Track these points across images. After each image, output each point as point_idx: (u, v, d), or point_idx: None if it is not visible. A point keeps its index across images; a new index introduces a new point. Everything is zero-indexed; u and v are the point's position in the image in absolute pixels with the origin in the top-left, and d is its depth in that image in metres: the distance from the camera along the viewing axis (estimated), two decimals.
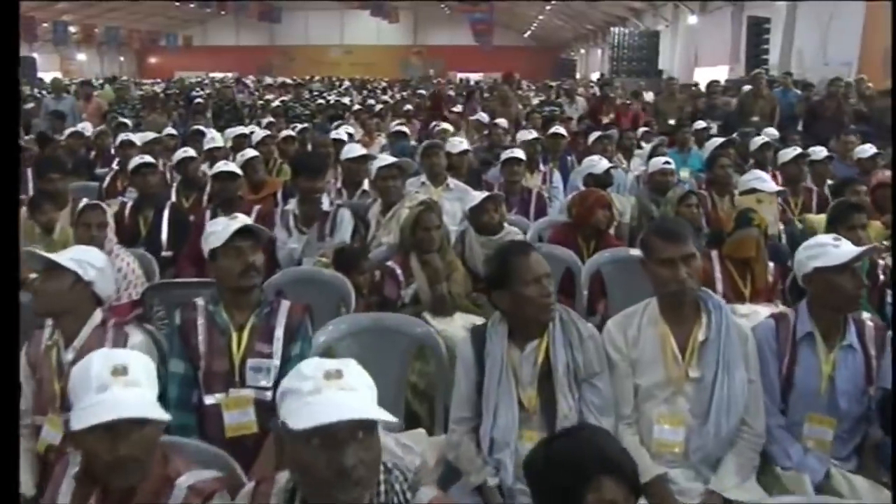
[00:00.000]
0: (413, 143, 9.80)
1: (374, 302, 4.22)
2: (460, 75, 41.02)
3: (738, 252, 3.93)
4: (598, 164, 5.77)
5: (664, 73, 26.99)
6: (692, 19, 26.57)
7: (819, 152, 6.68)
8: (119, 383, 1.85)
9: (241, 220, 2.91)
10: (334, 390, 1.67)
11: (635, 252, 4.37)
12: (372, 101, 15.82)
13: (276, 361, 2.82)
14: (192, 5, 41.30)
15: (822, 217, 5.17)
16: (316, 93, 20.10)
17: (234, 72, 40.35)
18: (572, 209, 4.78)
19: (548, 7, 38.99)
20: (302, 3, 47.86)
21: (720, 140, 6.94)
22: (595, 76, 35.15)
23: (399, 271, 4.21)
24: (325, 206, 4.70)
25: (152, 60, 52.18)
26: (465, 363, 2.86)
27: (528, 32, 49.32)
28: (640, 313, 2.93)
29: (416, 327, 3.24)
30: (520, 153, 5.88)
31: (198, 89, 21.58)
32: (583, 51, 45.84)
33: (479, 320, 4.07)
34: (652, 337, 2.86)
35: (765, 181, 4.91)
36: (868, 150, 6.79)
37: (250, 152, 6.00)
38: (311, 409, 1.64)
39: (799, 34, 19.96)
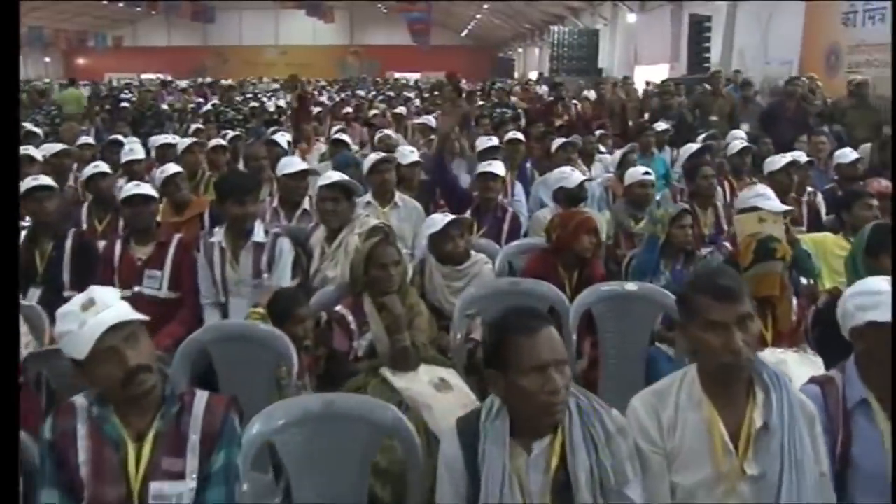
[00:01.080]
0: (356, 146, 9.00)
1: (320, 356, 3.43)
2: (398, 75, 40.34)
3: (759, 290, 3.23)
4: (570, 176, 5.04)
5: (604, 72, 26.76)
6: (631, 17, 26.18)
7: (799, 157, 6.09)
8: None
9: (111, 313, 2.01)
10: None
11: (632, 287, 3.69)
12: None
13: (192, 484, 2.01)
14: (121, 4, 39.53)
15: (826, 236, 4.58)
16: (250, 95, 19.03)
17: (167, 73, 38.91)
18: (552, 233, 4.05)
19: (485, 6, 38.36)
20: (235, 2, 46.40)
21: (694, 146, 6.26)
22: (534, 75, 34.77)
23: (350, 318, 3.43)
24: (259, 236, 3.87)
25: (80, 62, 49.96)
26: (452, 468, 2.10)
27: (466, 32, 48.66)
28: (676, 390, 2.21)
29: (380, 413, 2.44)
30: (499, 167, 5.10)
31: (126, 92, 20.12)
32: (521, 50, 45.38)
33: (448, 374, 3.35)
34: (695, 422, 2.14)
35: (768, 198, 4.25)
36: (848, 154, 6.19)
37: (171, 167, 5.11)
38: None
39: (739, 33, 19.69)
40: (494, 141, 6.39)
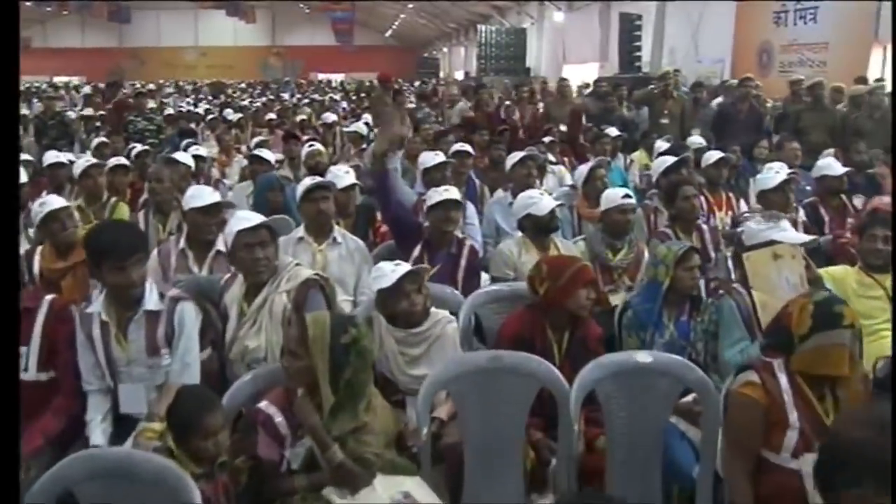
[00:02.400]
0: (278, 157, 7.96)
1: (241, 469, 2.48)
2: (321, 76, 39.21)
3: (820, 367, 2.43)
4: (539, 202, 4.14)
5: (532, 72, 26.20)
6: (559, 16, 25.58)
7: (780, 169, 5.37)
8: None
9: None
10: None
11: (645, 359, 2.84)
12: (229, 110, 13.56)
13: None
14: (28, 3, 37.14)
15: (846, 271, 3.82)
16: (166, 100, 17.61)
17: (82, 75, 36.86)
18: (538, 286, 3.16)
19: (410, 6, 37.38)
20: (153, 2, 44.21)
21: (668, 159, 5.45)
22: (460, 75, 33.98)
23: (280, 418, 2.48)
24: (152, 302, 2.88)
25: None
26: None
27: (390, 31, 47.53)
28: None
29: None
30: (455, 193, 4.15)
31: (34, 100, 17.73)
32: (446, 49, 44.51)
33: (414, 484, 2.47)
34: None
35: (784, 229, 3.46)
36: (833, 165, 5.49)
37: (54, 201, 4.01)
38: None
39: (670, 32, 19.24)
40: (441, 157, 5.43)
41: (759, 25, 15.96)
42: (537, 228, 4.16)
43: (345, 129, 9.94)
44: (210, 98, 19.71)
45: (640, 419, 2.75)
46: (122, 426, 2.88)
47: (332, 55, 44.25)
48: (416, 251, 4.09)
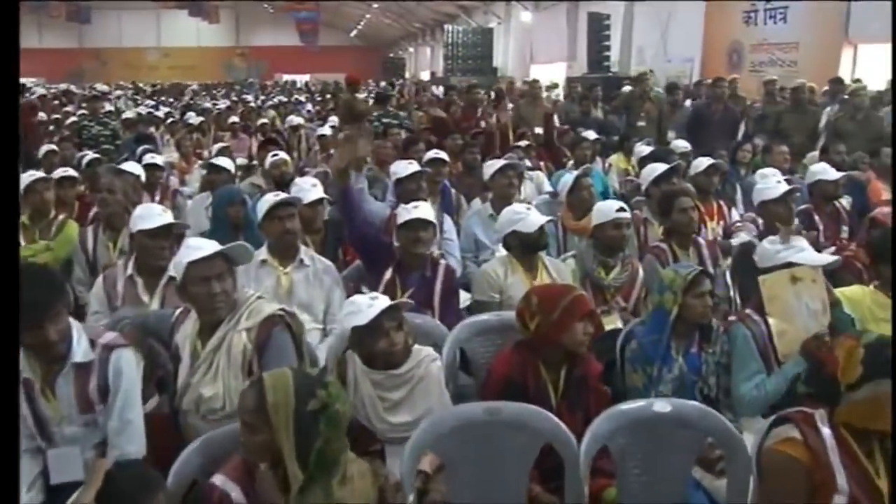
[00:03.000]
0: (241, 162, 7.49)
1: None
2: (286, 77, 38.59)
3: (874, 421, 2.07)
4: (527, 218, 3.74)
5: (499, 71, 25.90)
6: (526, 16, 25.25)
7: (775, 174, 5.05)
8: None
9: None
10: None
11: (663, 408, 2.45)
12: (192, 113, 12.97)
13: None
14: None
15: (863, 292, 3.47)
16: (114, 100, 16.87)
17: (40, 77, 35.85)
18: (529, 320, 2.77)
19: (375, 5, 36.81)
20: (113, 2, 43.20)
21: (659, 167, 5.09)
22: (426, 75, 33.55)
23: (238, 495, 2.06)
24: (80, 353, 2.43)
25: None
26: None
27: (356, 32, 46.87)
28: None
29: None
30: (427, 210, 3.73)
31: None
32: (411, 49, 44.02)
33: None
34: None
35: (802, 249, 3.11)
36: (827, 170, 5.16)
37: None
38: None
39: (638, 31, 18.99)
40: (416, 166, 5.00)
41: (729, 25, 15.76)
42: (524, 246, 3.76)
43: (313, 132, 9.49)
44: (171, 101, 19.04)
45: (659, 475, 2.37)
46: (57, 495, 2.44)
47: (296, 56, 43.49)
48: (388, 274, 3.69)
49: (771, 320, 3.00)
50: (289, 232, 3.66)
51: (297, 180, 4.83)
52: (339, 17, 43.50)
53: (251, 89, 24.62)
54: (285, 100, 18.35)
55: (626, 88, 11.35)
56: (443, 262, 3.86)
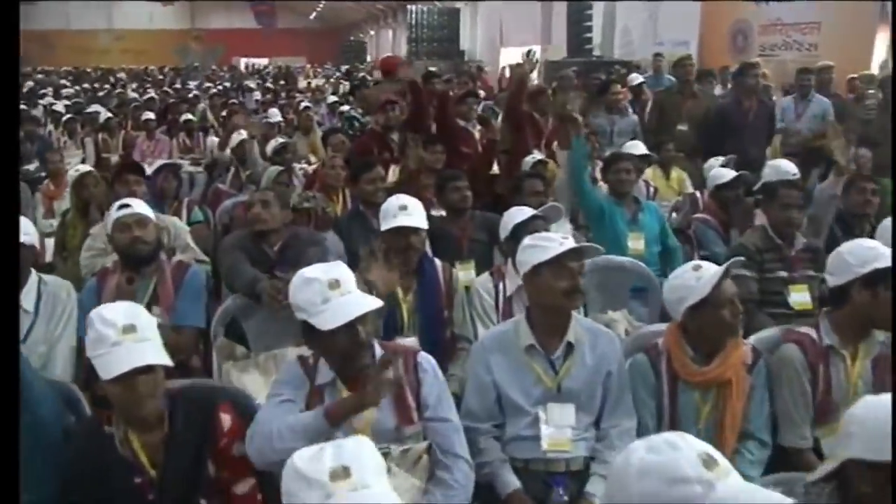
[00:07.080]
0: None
1: None
2: (245, 61, 35.87)
3: None
4: None
5: (466, 55, 23.56)
6: None
7: None
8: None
9: None
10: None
11: None
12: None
13: None
14: None
15: None
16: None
17: None
18: None
19: None
20: None
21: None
22: None
23: None
24: None
25: None
26: None
27: (315, 14, 43.83)
28: None
29: None
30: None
31: None
32: (373, 32, 41.16)
33: None
34: None
35: None
36: None
37: None
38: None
39: (623, 11, 16.54)
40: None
41: (733, 2, 13.43)
42: None
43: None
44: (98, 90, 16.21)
45: None
46: None
47: (254, 39, 41.01)
48: None
49: None
50: None
51: None
52: None
53: (197, 75, 21.61)
54: (231, 86, 15.69)
55: (634, 77, 9.04)
56: None
